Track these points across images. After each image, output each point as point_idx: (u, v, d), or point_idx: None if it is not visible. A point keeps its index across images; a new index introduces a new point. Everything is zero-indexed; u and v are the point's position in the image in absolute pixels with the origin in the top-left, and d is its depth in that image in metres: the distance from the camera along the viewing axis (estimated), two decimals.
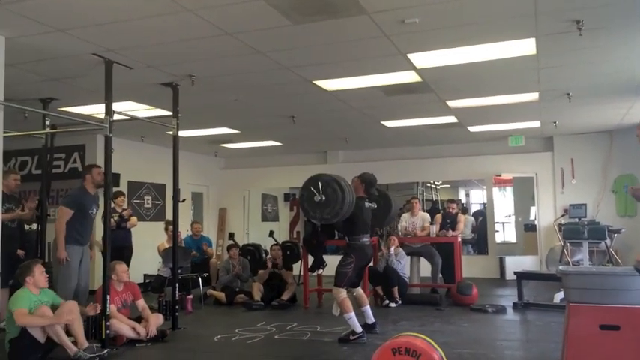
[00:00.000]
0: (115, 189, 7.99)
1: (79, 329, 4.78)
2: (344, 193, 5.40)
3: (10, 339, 4.68)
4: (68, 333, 4.76)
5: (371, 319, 5.77)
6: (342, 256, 5.67)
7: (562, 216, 10.03)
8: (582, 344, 3.47)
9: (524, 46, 5.34)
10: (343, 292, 5.48)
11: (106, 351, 4.78)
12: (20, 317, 4.59)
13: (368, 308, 5.82)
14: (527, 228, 11.60)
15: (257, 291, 7.79)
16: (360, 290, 5.91)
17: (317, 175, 5.66)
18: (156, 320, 5.69)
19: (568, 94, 7.16)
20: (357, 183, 5.91)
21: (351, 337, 5.35)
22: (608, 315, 3.47)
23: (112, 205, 6.91)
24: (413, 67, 5.95)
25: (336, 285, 5.52)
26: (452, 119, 8.85)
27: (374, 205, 6.14)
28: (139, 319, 5.66)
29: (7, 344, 4.70)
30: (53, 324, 4.64)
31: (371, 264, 7.60)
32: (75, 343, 4.72)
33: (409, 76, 6.31)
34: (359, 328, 5.39)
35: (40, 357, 4.69)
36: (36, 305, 4.71)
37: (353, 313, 5.41)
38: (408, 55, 5.53)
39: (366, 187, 5.87)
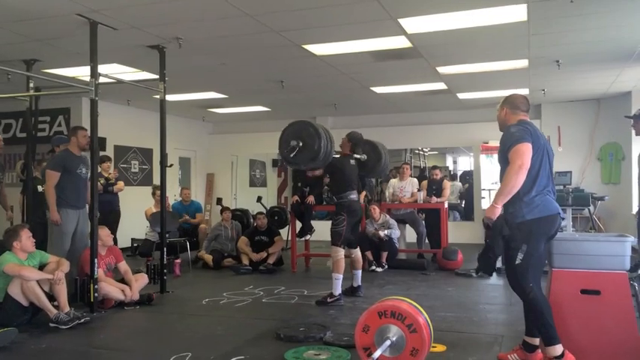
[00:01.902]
0: (101, 153, 7.93)
1: (61, 292, 4.78)
2: (317, 131, 5.35)
3: None
4: (52, 299, 4.77)
5: (357, 282, 5.88)
6: (333, 217, 5.68)
7: None
8: (564, 308, 3.55)
9: (516, 12, 5.29)
10: (341, 252, 5.51)
11: (84, 319, 4.76)
12: (13, 267, 4.61)
13: (359, 273, 5.91)
14: None
15: (244, 245, 7.85)
16: (358, 253, 5.93)
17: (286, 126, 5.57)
18: (140, 282, 5.71)
19: (557, 61, 7.15)
20: (344, 141, 5.93)
21: (329, 300, 5.44)
22: (589, 280, 3.55)
23: (99, 169, 6.84)
24: (403, 33, 5.89)
25: (333, 244, 5.55)
26: (441, 86, 8.82)
27: (363, 157, 6.13)
28: (123, 281, 5.67)
29: None
30: (43, 279, 4.70)
31: (374, 239, 7.69)
32: (57, 307, 4.73)
33: (399, 42, 6.25)
34: (338, 292, 5.46)
35: (27, 320, 4.71)
36: (22, 262, 4.76)
37: (341, 277, 5.47)
38: (399, 19, 5.47)
39: (352, 146, 5.88)
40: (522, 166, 3.26)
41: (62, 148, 6.06)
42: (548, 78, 8.31)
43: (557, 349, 3.29)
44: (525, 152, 3.29)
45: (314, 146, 5.28)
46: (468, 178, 12.44)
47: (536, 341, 3.52)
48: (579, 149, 10.48)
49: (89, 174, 5.69)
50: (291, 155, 5.36)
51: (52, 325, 4.60)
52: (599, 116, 10.38)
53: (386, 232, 7.67)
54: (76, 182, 5.73)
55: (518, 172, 3.26)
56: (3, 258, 4.72)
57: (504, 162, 3.42)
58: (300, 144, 5.32)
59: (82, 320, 4.71)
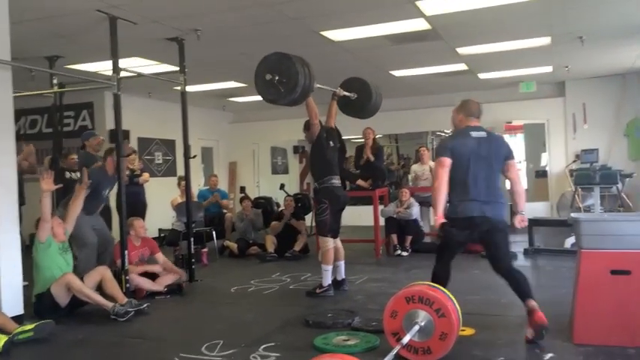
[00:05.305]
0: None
1: (113, 289, 4.90)
2: (294, 64, 4.76)
3: (37, 294, 4.84)
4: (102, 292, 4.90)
5: (341, 275, 5.61)
6: (316, 207, 5.54)
7: (574, 161, 10.00)
8: (593, 289, 3.52)
9: None
10: (329, 242, 5.36)
11: (145, 305, 4.90)
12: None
13: (342, 264, 5.61)
14: (538, 174, 11.59)
15: (270, 243, 7.90)
16: (338, 243, 5.60)
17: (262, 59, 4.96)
18: (173, 276, 5.81)
19: (581, 37, 6.99)
20: (307, 135, 5.67)
21: (317, 291, 5.34)
22: (619, 260, 3.51)
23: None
24: (422, 15, 5.82)
25: (319, 235, 5.43)
26: (462, 67, 8.72)
27: (353, 95, 5.75)
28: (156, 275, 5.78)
29: (34, 297, 4.86)
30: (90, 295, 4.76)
31: (394, 215, 7.67)
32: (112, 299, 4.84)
33: (418, 24, 6.18)
34: (327, 282, 5.34)
35: (66, 313, 4.80)
36: (61, 253, 4.95)
37: (330, 267, 5.36)
38: (417, 2, 5.40)
39: (309, 127, 5.55)
40: None
41: (95, 166, 6.08)
42: (571, 54, 8.15)
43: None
44: None
45: (290, 80, 4.73)
46: None
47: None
48: (605, 126, 10.28)
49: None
50: (268, 90, 4.83)
51: (112, 317, 4.69)
52: (625, 92, 10.14)
53: (405, 209, 7.69)
54: (96, 199, 5.84)
55: None
56: (41, 252, 4.85)
57: None
58: (277, 78, 4.75)
59: (144, 307, 4.87)
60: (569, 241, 7.09)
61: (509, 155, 4.04)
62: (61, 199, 6.55)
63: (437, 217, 3.78)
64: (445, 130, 13.74)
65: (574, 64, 8.93)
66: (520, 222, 4.00)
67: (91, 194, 5.69)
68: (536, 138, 11.50)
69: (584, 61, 8.68)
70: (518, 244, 7.94)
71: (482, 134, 3.97)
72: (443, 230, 3.76)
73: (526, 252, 7.22)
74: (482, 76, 9.60)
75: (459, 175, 3.83)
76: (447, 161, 3.82)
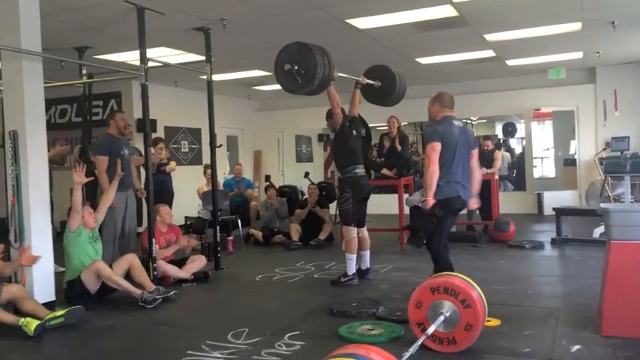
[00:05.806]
0: (153, 135, 8.11)
1: (141, 276, 4.98)
2: (313, 54, 4.70)
3: (68, 281, 4.95)
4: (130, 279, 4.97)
5: (366, 264, 5.61)
6: (339, 196, 5.56)
7: (604, 149, 9.79)
8: (622, 281, 3.46)
9: None
10: (353, 232, 5.33)
11: (173, 292, 4.98)
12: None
13: (367, 254, 5.61)
14: (567, 162, 11.38)
15: (295, 231, 7.94)
16: (364, 232, 5.57)
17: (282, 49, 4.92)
18: (198, 263, 5.87)
19: (613, 22, 6.82)
20: (329, 123, 5.63)
21: (342, 280, 5.35)
22: None
23: (152, 151, 7.01)
24: (449, 1, 5.75)
25: (343, 224, 5.43)
26: (489, 53, 8.59)
27: (377, 84, 5.69)
28: (184, 260, 5.88)
29: (65, 284, 4.97)
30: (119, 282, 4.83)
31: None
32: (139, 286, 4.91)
33: (445, 11, 6.10)
34: (351, 271, 5.35)
35: (95, 300, 4.90)
36: (90, 242, 5.03)
37: (354, 256, 5.35)
38: None
39: (332, 116, 5.50)
40: None
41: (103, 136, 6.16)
42: (602, 40, 7.95)
43: None
44: None
45: (309, 72, 4.66)
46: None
47: None
48: (637, 113, 10.03)
49: (131, 155, 5.98)
50: (287, 79, 4.79)
51: (140, 304, 4.76)
52: None
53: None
54: (120, 164, 5.78)
55: None
56: (72, 241, 4.95)
57: None
58: (295, 68, 4.70)
59: (172, 294, 4.94)
60: (598, 231, 6.97)
61: (474, 144, 4.51)
62: (92, 190, 6.66)
63: (429, 198, 4.10)
64: (471, 118, 13.61)
65: (605, 50, 8.72)
66: (475, 203, 4.61)
67: (111, 162, 5.69)
68: (565, 125, 11.27)
69: (616, 46, 8.47)
70: (545, 234, 7.87)
71: (460, 124, 4.42)
72: (434, 211, 4.09)
73: (553, 241, 7.12)
74: (510, 62, 9.44)
75: (447, 160, 4.18)
76: (439, 146, 4.16)
